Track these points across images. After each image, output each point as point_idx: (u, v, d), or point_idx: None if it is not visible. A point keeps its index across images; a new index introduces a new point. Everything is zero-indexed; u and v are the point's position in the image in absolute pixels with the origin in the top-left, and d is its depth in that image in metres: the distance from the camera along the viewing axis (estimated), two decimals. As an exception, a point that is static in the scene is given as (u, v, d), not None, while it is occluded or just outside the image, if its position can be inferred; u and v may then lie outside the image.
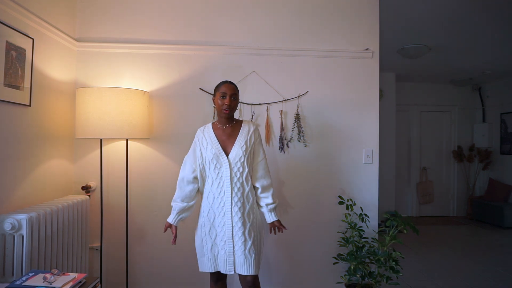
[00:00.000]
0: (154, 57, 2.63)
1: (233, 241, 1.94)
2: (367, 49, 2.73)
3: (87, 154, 2.59)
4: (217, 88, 2.01)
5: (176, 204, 2.03)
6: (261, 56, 2.67)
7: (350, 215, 2.56)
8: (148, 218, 2.62)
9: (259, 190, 2.06)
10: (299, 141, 2.68)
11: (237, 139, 2.00)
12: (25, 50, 1.98)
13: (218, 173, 1.96)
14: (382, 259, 2.34)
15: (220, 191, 1.96)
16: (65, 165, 2.48)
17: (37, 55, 2.11)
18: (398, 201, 6.15)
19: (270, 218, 2.06)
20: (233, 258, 1.94)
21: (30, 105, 2.04)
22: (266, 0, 2.71)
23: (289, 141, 2.68)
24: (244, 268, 1.93)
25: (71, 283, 1.49)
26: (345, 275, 2.47)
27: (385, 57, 4.44)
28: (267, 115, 2.66)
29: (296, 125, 2.67)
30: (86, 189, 2.51)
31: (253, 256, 1.94)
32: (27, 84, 2.00)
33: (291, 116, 2.68)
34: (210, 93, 2.62)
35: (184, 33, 2.65)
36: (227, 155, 1.97)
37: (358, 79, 2.74)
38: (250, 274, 1.93)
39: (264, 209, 2.07)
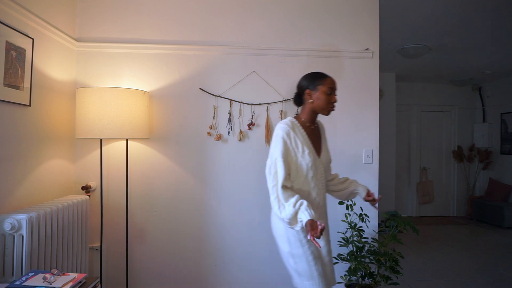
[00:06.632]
0: (154, 57, 2.63)
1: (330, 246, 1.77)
2: (367, 49, 2.73)
3: (87, 154, 2.59)
4: (318, 81, 1.68)
5: (298, 201, 1.54)
6: (261, 56, 2.67)
7: (350, 215, 2.55)
8: (148, 218, 2.62)
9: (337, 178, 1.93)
10: (299, 141, 2.67)
11: (322, 140, 1.80)
12: (25, 50, 1.98)
13: (316, 180, 1.68)
14: (382, 259, 2.34)
15: (320, 200, 1.70)
16: (65, 165, 2.48)
17: (37, 55, 2.11)
18: (398, 201, 6.15)
19: (364, 190, 1.89)
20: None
21: (30, 105, 2.04)
22: (266, 0, 2.71)
23: (289, 141, 2.67)
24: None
25: (71, 283, 1.49)
26: (345, 275, 2.47)
27: (385, 57, 4.44)
28: (267, 115, 2.66)
29: (296, 125, 2.66)
30: (86, 189, 2.51)
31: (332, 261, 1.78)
32: (27, 84, 2.00)
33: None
34: (210, 93, 2.62)
35: (184, 33, 2.65)
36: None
37: (358, 79, 2.73)
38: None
39: (353, 187, 1.90)
